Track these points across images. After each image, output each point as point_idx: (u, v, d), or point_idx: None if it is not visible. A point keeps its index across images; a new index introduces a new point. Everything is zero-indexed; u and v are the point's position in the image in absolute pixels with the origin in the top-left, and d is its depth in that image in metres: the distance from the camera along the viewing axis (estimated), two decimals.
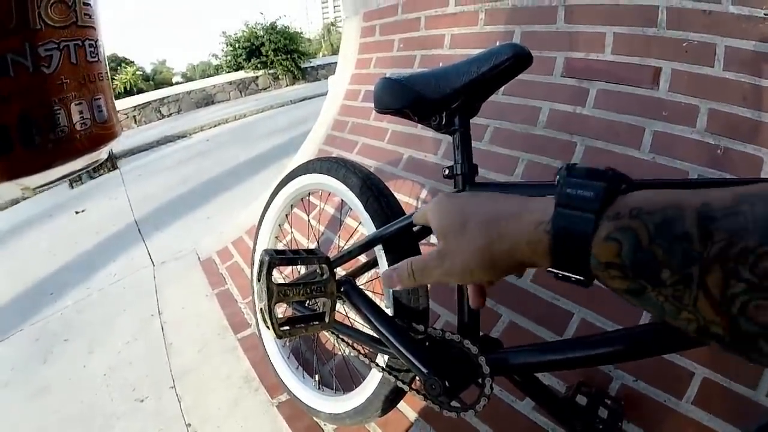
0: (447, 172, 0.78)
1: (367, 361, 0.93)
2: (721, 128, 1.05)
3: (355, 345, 0.97)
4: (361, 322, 0.89)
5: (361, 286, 0.92)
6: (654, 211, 0.29)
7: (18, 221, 4.00)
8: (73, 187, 4.93)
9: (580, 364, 0.62)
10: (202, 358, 1.66)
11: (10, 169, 0.51)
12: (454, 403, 0.73)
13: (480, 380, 0.70)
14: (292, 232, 1.50)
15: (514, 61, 0.68)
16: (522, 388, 0.78)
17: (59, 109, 0.52)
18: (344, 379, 1.30)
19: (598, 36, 1.29)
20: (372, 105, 0.86)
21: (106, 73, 0.61)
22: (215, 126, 8.17)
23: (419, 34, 1.85)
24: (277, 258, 0.80)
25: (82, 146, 0.56)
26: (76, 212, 3.94)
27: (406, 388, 0.85)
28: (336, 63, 2.35)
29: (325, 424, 1.26)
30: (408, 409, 1.20)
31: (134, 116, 10.09)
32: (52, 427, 1.48)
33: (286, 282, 0.82)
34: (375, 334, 0.86)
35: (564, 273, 0.35)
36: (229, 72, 14.48)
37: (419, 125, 1.63)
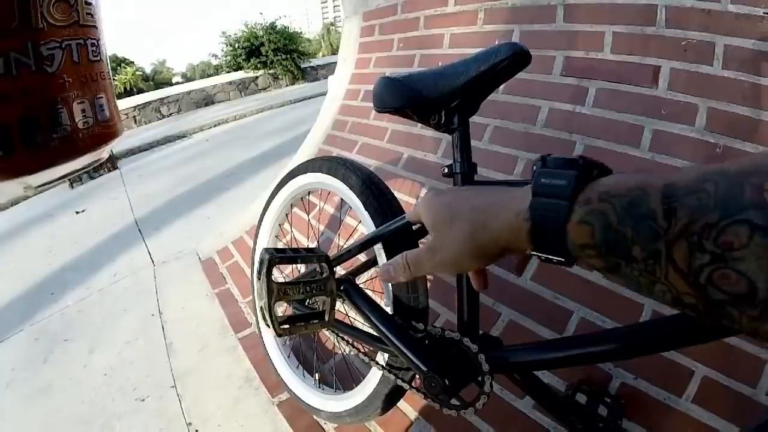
0: (446, 170, 0.78)
1: (367, 359, 0.93)
2: (721, 127, 1.05)
3: (355, 343, 0.97)
4: (361, 320, 0.89)
5: (360, 285, 0.92)
6: (621, 193, 0.31)
7: (19, 221, 4.00)
8: (73, 187, 4.93)
9: (579, 361, 0.62)
10: (202, 358, 1.66)
11: (12, 169, 0.51)
12: (453, 401, 0.73)
13: (480, 378, 0.70)
14: (292, 231, 1.50)
15: (513, 60, 0.69)
16: (522, 387, 0.78)
17: (61, 108, 0.52)
18: (344, 378, 1.30)
19: (598, 35, 1.29)
20: (372, 104, 0.86)
21: (108, 72, 0.61)
22: (215, 126, 8.17)
23: (419, 33, 1.85)
24: (277, 256, 0.81)
25: (84, 145, 0.56)
26: (77, 212, 3.95)
27: (406, 386, 0.86)
28: (335, 63, 2.35)
29: (325, 423, 1.26)
30: (408, 407, 1.21)
31: (134, 116, 10.09)
32: (53, 427, 1.48)
33: (286, 281, 0.82)
34: (375, 333, 0.86)
35: (546, 256, 0.37)
36: (228, 72, 14.50)
37: (419, 124, 1.63)
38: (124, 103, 10.56)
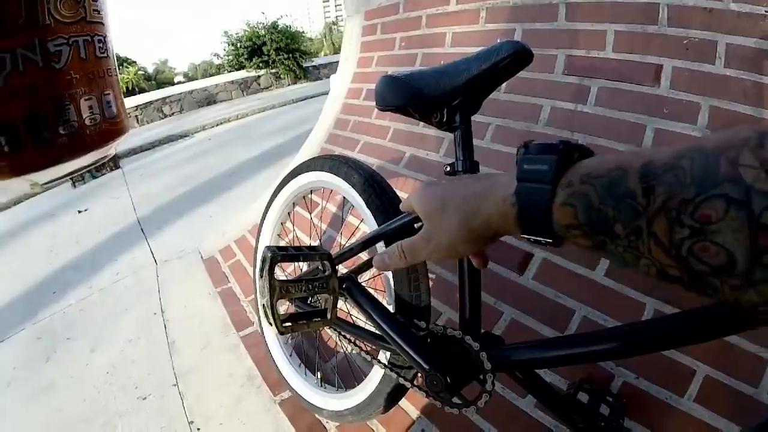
0: (448, 169, 0.78)
1: (369, 357, 0.93)
2: (723, 125, 1.05)
3: (357, 342, 0.97)
4: (363, 318, 0.89)
5: (362, 283, 0.92)
6: (601, 174, 0.32)
7: (21, 220, 4.01)
8: (75, 187, 4.94)
9: (581, 360, 0.62)
10: (204, 356, 1.67)
11: (20, 166, 0.51)
12: (455, 400, 0.73)
13: (481, 377, 0.70)
14: (294, 230, 1.50)
15: (514, 58, 0.69)
16: (524, 385, 0.78)
17: (68, 104, 0.52)
18: (346, 377, 1.30)
19: (600, 33, 1.29)
20: (374, 103, 0.86)
21: (115, 68, 0.61)
22: (217, 125, 8.17)
23: (421, 32, 1.85)
24: (280, 254, 0.81)
25: (91, 142, 0.56)
26: (79, 211, 3.95)
27: (408, 384, 0.86)
28: (337, 62, 2.35)
29: (327, 422, 1.27)
30: (410, 406, 1.21)
31: (136, 116, 10.09)
32: (55, 426, 1.48)
33: (289, 279, 0.82)
34: (377, 331, 0.86)
35: (535, 237, 0.39)
36: (231, 71, 14.50)
37: (421, 123, 1.63)
38: (126, 103, 10.40)
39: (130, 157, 6.48)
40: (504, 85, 1.44)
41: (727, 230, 0.25)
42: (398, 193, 1.00)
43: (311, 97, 9.43)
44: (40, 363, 1.82)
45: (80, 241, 3.18)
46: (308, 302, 1.04)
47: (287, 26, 13.75)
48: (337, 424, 1.25)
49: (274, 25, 13.54)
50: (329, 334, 1.36)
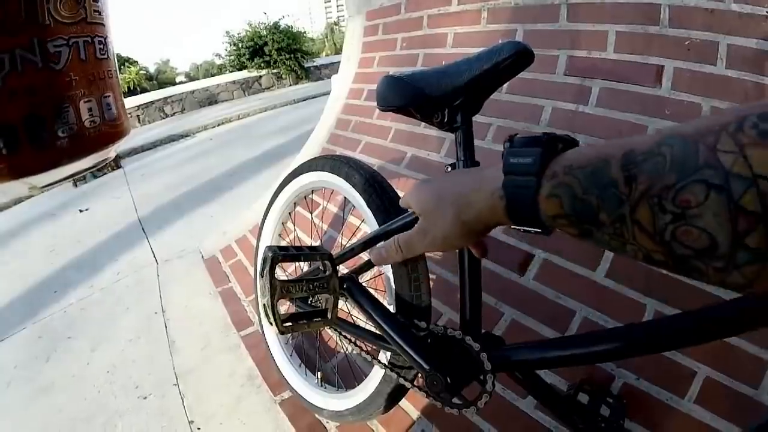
0: (449, 169, 0.78)
1: (369, 358, 0.93)
2: None
3: (357, 342, 0.97)
4: (364, 318, 0.89)
5: (363, 283, 0.92)
6: (584, 165, 0.34)
7: (22, 220, 4.01)
8: (77, 186, 4.94)
9: (581, 361, 0.62)
10: (205, 356, 1.67)
11: (17, 168, 0.51)
12: (455, 400, 0.73)
13: (482, 377, 0.70)
14: (295, 230, 1.50)
15: (516, 59, 0.68)
16: (524, 386, 0.78)
17: (68, 106, 0.52)
18: (346, 376, 1.30)
19: (601, 34, 1.29)
20: (375, 104, 0.86)
21: (116, 70, 0.61)
22: (219, 125, 8.18)
23: (422, 32, 1.85)
24: (280, 254, 0.81)
25: (90, 144, 0.56)
26: (80, 211, 3.96)
27: (408, 384, 0.86)
28: (339, 62, 2.36)
29: (327, 422, 1.27)
30: (410, 406, 1.21)
31: (138, 115, 10.10)
32: (55, 425, 1.48)
33: (289, 278, 0.82)
34: (377, 331, 0.86)
35: (524, 228, 0.40)
36: (232, 71, 14.51)
37: (422, 123, 1.63)
38: (127, 102, 10.53)
39: (132, 157, 6.48)
40: (505, 85, 1.44)
41: (708, 214, 0.25)
42: (399, 193, 1.00)
43: (313, 98, 9.43)
44: (40, 362, 1.83)
45: (81, 240, 3.19)
46: (309, 302, 1.04)
47: (289, 26, 13.76)
48: (338, 424, 1.25)
49: (276, 26, 13.54)
50: (330, 334, 1.37)
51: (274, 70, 13.09)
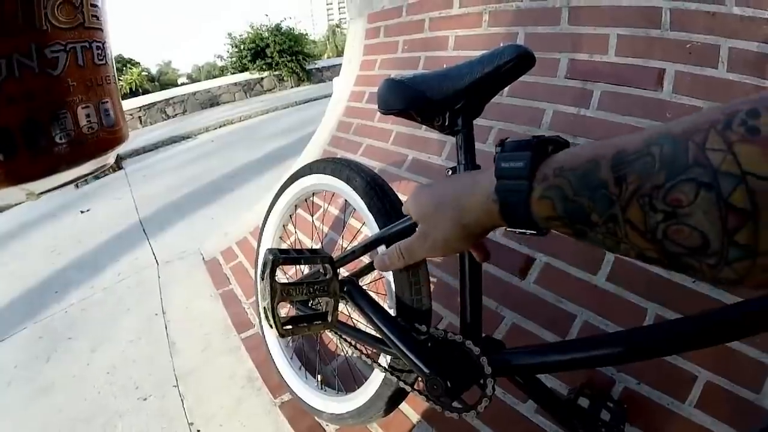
0: (450, 173, 0.78)
1: (369, 361, 0.93)
2: None
3: (357, 345, 0.97)
4: (364, 322, 0.89)
5: (364, 287, 0.92)
6: (574, 167, 0.34)
7: (23, 220, 4.02)
8: (78, 187, 4.94)
9: (582, 365, 0.62)
10: (205, 358, 1.67)
11: (15, 174, 0.50)
12: (455, 404, 0.73)
13: (482, 381, 0.70)
14: (296, 232, 1.50)
15: (517, 62, 0.68)
16: (524, 390, 0.78)
17: (65, 112, 0.51)
18: (347, 380, 1.30)
19: (602, 37, 1.29)
20: (376, 106, 0.86)
21: (114, 76, 0.60)
22: (220, 127, 8.20)
23: (423, 35, 1.85)
24: (281, 257, 0.81)
25: (88, 150, 0.55)
26: (81, 212, 3.97)
27: (408, 388, 0.85)
28: (341, 65, 2.36)
29: (327, 425, 1.26)
30: (410, 410, 1.20)
31: (139, 117, 10.14)
32: (55, 425, 1.48)
33: (290, 281, 0.82)
34: (377, 334, 0.86)
35: (520, 230, 0.41)
36: (234, 73, 14.56)
37: (423, 126, 1.63)
38: (129, 104, 10.62)
39: (133, 158, 6.50)
40: (506, 88, 1.43)
41: (698, 212, 0.26)
42: (400, 196, 1.00)
43: (314, 100, 9.46)
44: (40, 362, 1.83)
45: (82, 241, 3.19)
46: (309, 305, 1.04)
47: (291, 28, 13.82)
48: (337, 427, 1.25)
49: (278, 28, 13.60)
50: (330, 337, 1.36)
51: (276, 72, 13.13)
